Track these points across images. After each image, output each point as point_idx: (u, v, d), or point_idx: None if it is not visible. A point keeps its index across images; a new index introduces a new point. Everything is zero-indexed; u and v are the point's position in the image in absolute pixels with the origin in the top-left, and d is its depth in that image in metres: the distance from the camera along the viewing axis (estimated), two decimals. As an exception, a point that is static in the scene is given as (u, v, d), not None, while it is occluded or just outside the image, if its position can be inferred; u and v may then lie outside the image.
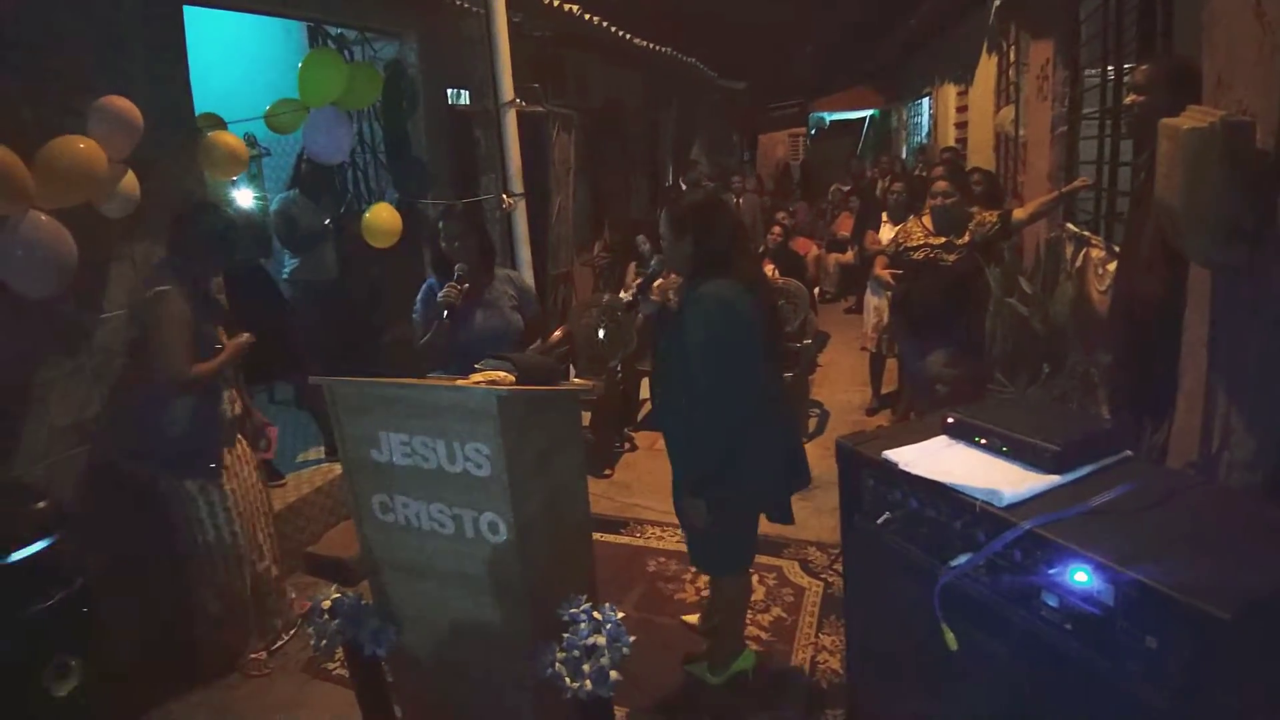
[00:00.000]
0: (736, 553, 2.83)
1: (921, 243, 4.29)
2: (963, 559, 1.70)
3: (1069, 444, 1.78)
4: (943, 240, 4.21)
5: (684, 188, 8.68)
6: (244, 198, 4.92)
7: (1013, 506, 1.66)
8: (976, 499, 1.71)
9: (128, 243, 3.19)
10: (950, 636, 1.69)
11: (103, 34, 3.08)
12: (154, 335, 2.85)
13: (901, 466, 1.90)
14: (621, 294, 5.95)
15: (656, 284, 2.83)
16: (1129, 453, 1.90)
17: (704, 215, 2.59)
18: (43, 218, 2.61)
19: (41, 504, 2.52)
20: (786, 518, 2.85)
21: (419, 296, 3.35)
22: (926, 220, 4.34)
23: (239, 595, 3.11)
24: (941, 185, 4.26)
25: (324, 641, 2.47)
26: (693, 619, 3.34)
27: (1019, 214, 4.23)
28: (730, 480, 2.60)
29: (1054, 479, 1.74)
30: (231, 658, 3.17)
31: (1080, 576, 1.49)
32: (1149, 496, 1.66)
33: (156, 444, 2.95)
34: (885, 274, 4.80)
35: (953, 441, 1.99)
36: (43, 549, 2.43)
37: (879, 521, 1.96)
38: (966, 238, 4.16)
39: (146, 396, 2.95)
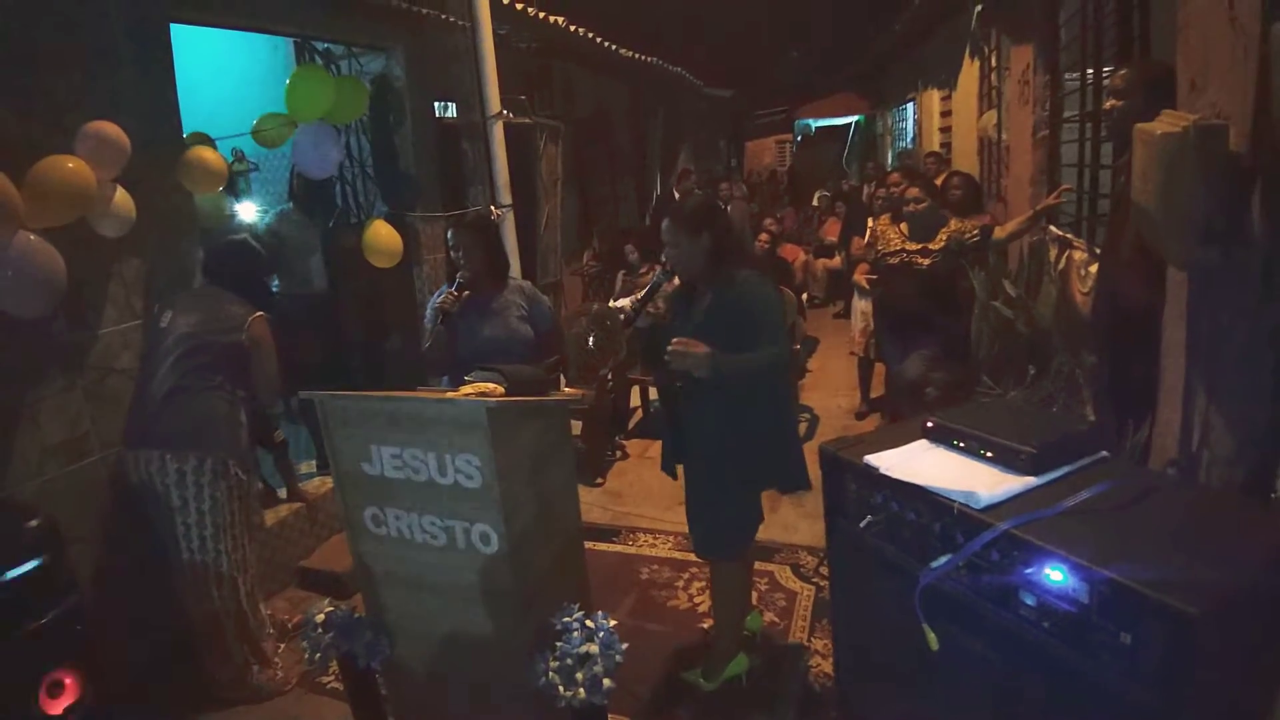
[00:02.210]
0: (741, 534, 2.86)
1: (898, 247, 4.34)
2: (942, 560, 1.73)
3: (1045, 446, 1.81)
4: (918, 245, 4.26)
5: (677, 196, 8.72)
6: (247, 211, 4.92)
7: (990, 508, 1.69)
8: (954, 501, 1.74)
9: (118, 261, 3.21)
10: (932, 637, 1.72)
11: (91, 52, 3.11)
12: (264, 353, 3.18)
13: (882, 470, 1.93)
14: (621, 301, 5.97)
15: (660, 293, 2.92)
16: (1106, 453, 1.93)
17: (716, 213, 2.77)
18: (32, 238, 2.63)
19: (34, 522, 2.53)
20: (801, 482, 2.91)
21: (430, 304, 3.33)
22: (903, 225, 4.39)
23: (223, 613, 3.10)
24: (913, 191, 4.30)
25: (318, 654, 2.48)
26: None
27: (999, 233, 4.28)
28: (776, 457, 2.78)
29: (1030, 480, 1.77)
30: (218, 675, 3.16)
31: (1056, 575, 1.52)
32: (1124, 496, 1.69)
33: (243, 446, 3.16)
34: (861, 279, 4.87)
35: (932, 445, 2.02)
36: (36, 567, 2.44)
37: (861, 525, 1.99)
38: (942, 241, 4.20)
39: (233, 405, 3.12)
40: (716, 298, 2.68)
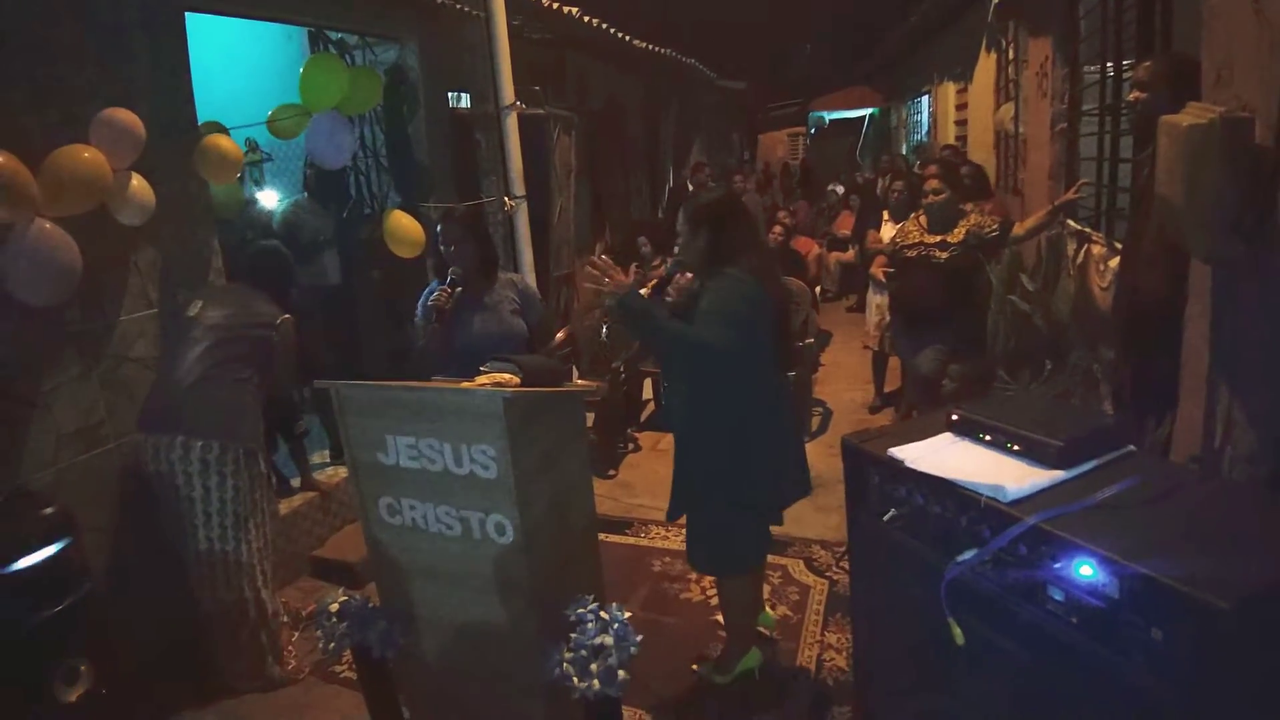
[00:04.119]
0: (735, 553, 2.80)
1: (916, 240, 4.31)
2: (969, 554, 1.71)
3: (1073, 439, 1.78)
4: (937, 238, 4.23)
5: (690, 189, 8.69)
6: (268, 199, 4.91)
7: (1017, 502, 1.67)
8: (981, 495, 1.71)
9: (133, 250, 3.21)
10: (957, 631, 1.69)
11: (106, 42, 3.10)
12: (287, 352, 3.28)
13: (907, 463, 1.90)
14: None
15: (673, 284, 2.90)
16: (1132, 448, 1.90)
17: (718, 212, 2.69)
18: (47, 225, 2.62)
19: (49, 510, 2.53)
20: (776, 518, 2.87)
21: (420, 301, 3.33)
22: (923, 219, 4.36)
23: (240, 603, 3.09)
24: (933, 183, 4.28)
25: (332, 644, 2.47)
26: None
27: (1018, 229, 4.23)
28: (734, 474, 2.65)
29: (1058, 474, 1.74)
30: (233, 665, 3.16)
31: (1085, 570, 1.49)
32: (1152, 491, 1.66)
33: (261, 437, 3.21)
34: (878, 271, 4.85)
35: (957, 438, 1.99)
36: (50, 555, 2.44)
37: (885, 518, 1.96)
38: (960, 235, 4.17)
39: (256, 397, 3.16)
40: (702, 291, 2.64)
